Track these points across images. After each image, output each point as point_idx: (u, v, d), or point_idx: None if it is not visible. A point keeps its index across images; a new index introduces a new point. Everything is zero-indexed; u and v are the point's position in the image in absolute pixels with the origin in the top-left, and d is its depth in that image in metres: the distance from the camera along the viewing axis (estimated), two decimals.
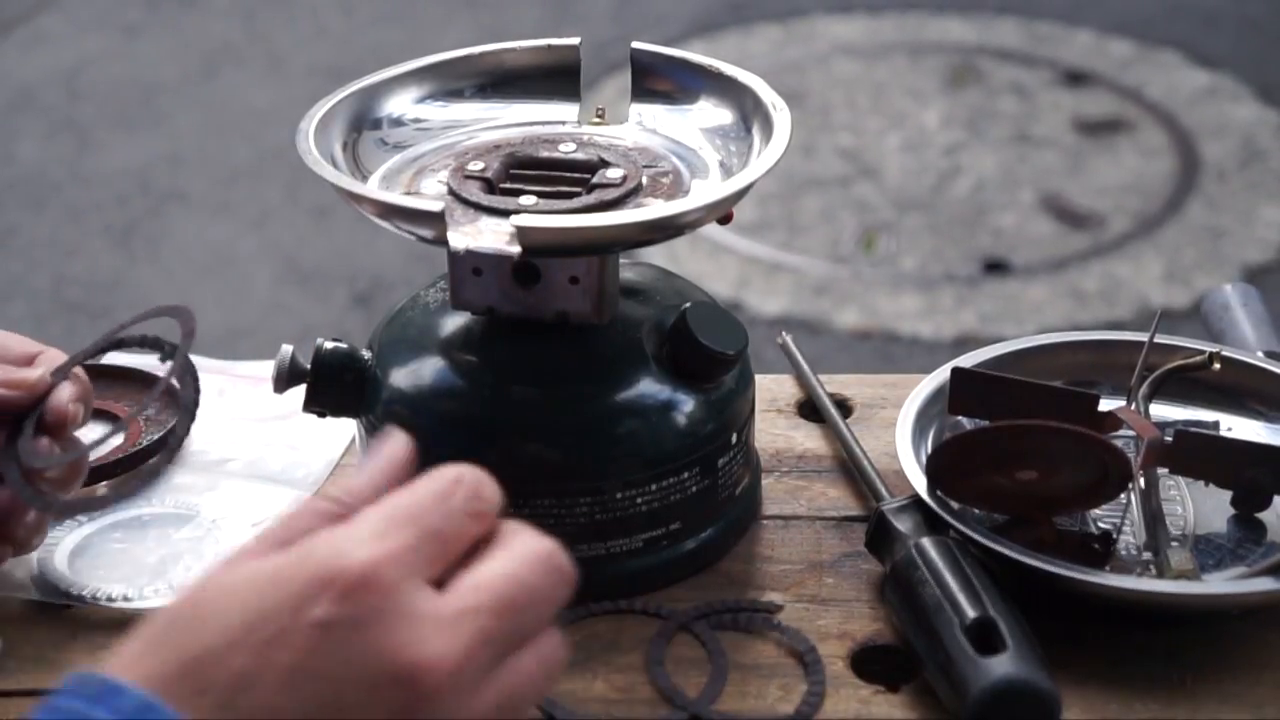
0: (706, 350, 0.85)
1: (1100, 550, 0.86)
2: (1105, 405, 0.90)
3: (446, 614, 0.60)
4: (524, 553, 0.63)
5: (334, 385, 0.87)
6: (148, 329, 0.84)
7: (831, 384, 1.02)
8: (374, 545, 0.60)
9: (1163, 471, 0.89)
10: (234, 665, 0.58)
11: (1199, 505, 0.89)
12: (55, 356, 0.86)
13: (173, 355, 0.82)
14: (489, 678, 0.60)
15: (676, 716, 0.79)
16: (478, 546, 0.63)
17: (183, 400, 0.82)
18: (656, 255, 2.56)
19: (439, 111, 0.93)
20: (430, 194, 0.87)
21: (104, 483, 0.94)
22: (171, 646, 0.59)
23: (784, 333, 1.06)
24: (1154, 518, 0.87)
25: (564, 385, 0.85)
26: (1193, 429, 0.91)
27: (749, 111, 0.89)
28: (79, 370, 0.86)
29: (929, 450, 0.90)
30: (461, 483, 0.64)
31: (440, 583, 0.61)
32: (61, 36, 3.63)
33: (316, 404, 0.88)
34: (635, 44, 0.94)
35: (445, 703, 0.59)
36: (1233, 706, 0.80)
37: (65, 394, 0.84)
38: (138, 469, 0.94)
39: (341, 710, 0.59)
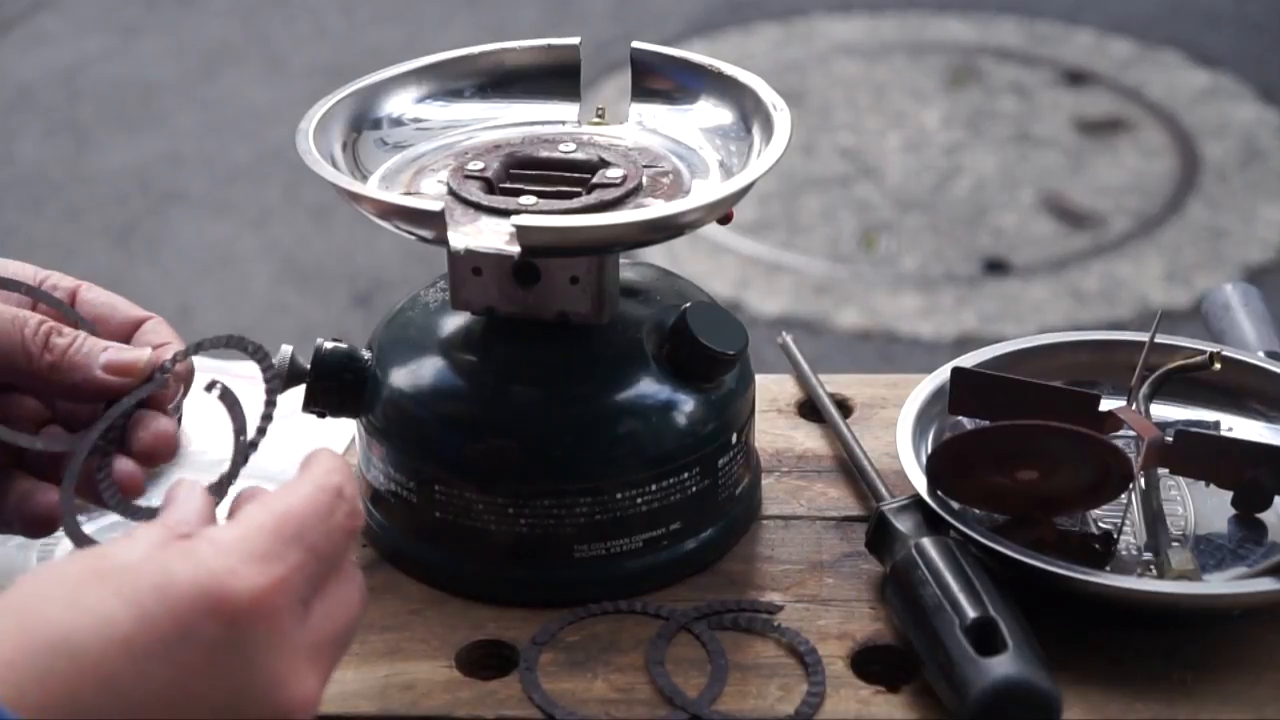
0: (706, 350, 0.85)
1: (1101, 550, 0.86)
2: (1106, 405, 0.90)
3: (315, 644, 0.62)
4: (360, 582, 0.65)
5: (334, 385, 0.87)
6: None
7: (831, 384, 1.02)
8: (264, 569, 0.60)
9: (1163, 471, 0.89)
10: (106, 669, 0.56)
11: (1199, 505, 0.89)
12: (159, 327, 0.82)
13: (270, 377, 0.79)
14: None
15: (676, 716, 0.79)
16: None
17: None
18: (656, 255, 2.56)
19: (439, 111, 0.93)
20: (430, 194, 0.87)
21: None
22: (24, 630, 0.56)
23: (784, 333, 1.06)
24: (1154, 518, 0.87)
25: (564, 385, 0.85)
26: (1193, 429, 0.91)
27: (749, 111, 0.89)
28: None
29: (929, 450, 0.90)
30: (343, 497, 0.64)
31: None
32: (60, 36, 3.63)
33: (316, 404, 0.88)
34: (635, 44, 0.94)
35: None
36: (1233, 706, 0.80)
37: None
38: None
39: None
